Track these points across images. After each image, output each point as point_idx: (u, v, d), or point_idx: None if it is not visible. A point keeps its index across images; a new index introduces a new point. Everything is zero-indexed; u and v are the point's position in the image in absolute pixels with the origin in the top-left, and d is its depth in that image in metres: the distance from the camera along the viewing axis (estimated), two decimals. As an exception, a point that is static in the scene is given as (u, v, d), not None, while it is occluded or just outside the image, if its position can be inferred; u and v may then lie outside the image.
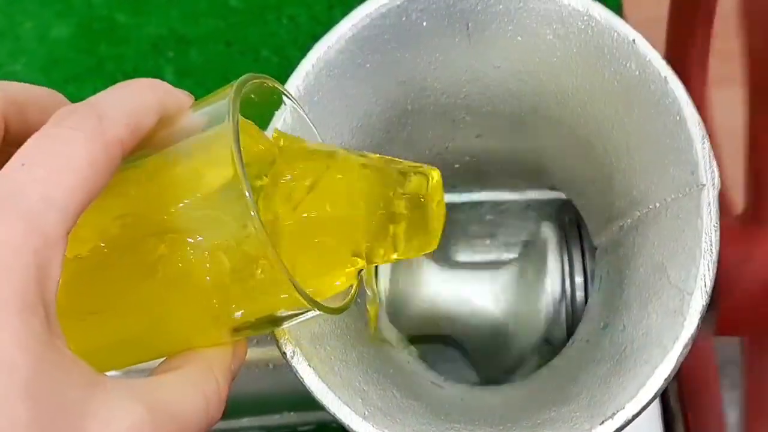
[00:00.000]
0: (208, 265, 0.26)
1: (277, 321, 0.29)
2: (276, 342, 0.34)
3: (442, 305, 0.45)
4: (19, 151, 0.24)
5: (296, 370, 0.33)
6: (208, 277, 0.26)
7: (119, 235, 0.27)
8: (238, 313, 0.28)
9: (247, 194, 0.25)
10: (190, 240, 0.26)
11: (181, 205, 0.26)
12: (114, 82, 0.27)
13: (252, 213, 0.25)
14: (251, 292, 0.27)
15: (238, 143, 0.25)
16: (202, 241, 0.26)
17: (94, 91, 0.27)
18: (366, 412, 0.33)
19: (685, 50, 0.53)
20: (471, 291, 0.46)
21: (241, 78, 0.28)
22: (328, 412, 0.33)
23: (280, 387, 0.44)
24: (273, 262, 0.25)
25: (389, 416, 0.34)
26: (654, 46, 0.49)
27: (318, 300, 0.27)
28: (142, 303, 0.27)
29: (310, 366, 0.33)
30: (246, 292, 0.27)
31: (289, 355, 0.33)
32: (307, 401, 0.33)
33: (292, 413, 0.48)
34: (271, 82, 0.30)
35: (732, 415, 0.63)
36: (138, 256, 0.27)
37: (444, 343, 0.47)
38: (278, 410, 0.47)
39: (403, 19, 0.37)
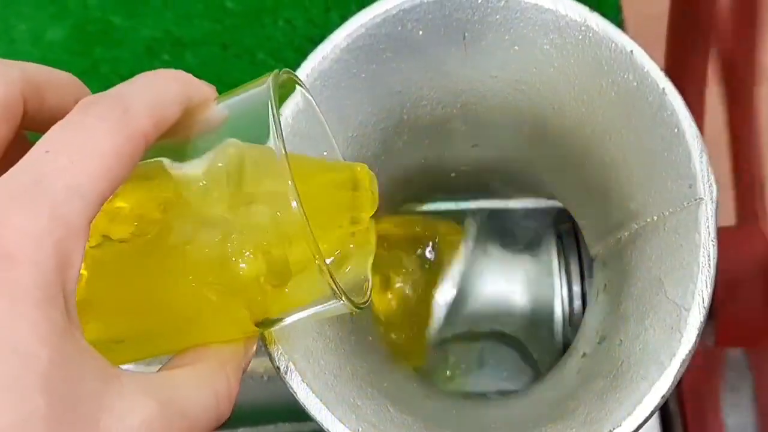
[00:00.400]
0: (247, 256, 0.26)
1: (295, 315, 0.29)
2: (269, 357, 0.33)
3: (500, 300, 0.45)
4: (42, 138, 0.24)
5: (290, 386, 0.33)
6: (245, 270, 0.26)
7: (155, 221, 0.27)
8: (271, 308, 0.28)
9: (290, 183, 0.25)
10: (231, 234, 0.26)
11: (226, 198, 0.26)
12: (109, 84, 0.27)
13: (294, 203, 0.25)
14: (289, 286, 0.27)
15: (283, 140, 0.26)
16: (243, 234, 0.26)
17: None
18: (360, 429, 0.33)
19: (685, 55, 0.53)
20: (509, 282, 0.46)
21: (273, 73, 0.28)
22: (322, 428, 0.33)
23: (274, 398, 0.44)
24: (318, 259, 0.25)
25: (383, 432, 0.33)
26: (653, 43, 0.49)
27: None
28: (174, 292, 0.27)
29: (303, 381, 0.33)
30: (282, 288, 0.27)
31: (282, 370, 0.33)
32: (301, 412, 0.33)
33: (286, 424, 0.47)
34: (297, 78, 0.30)
35: (731, 418, 0.63)
36: (174, 244, 0.26)
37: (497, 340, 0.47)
38: (272, 421, 0.47)
39: (399, 28, 0.37)
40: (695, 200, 0.34)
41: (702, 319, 0.32)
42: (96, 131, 0.24)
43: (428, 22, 0.37)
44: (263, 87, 0.27)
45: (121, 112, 0.24)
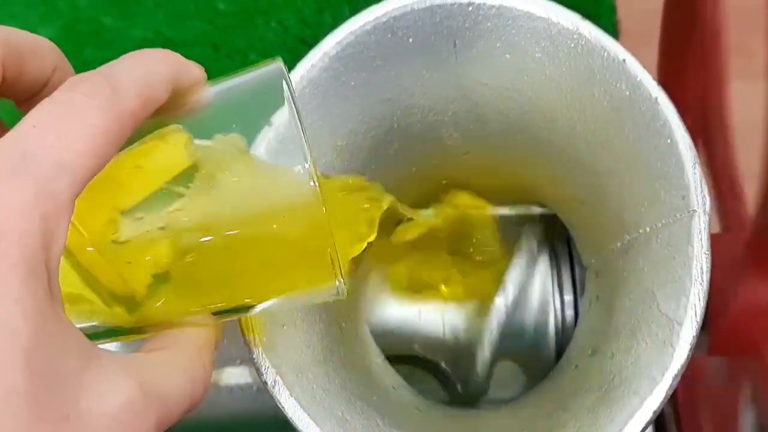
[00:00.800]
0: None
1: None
2: (257, 371, 0.33)
3: (408, 324, 0.45)
4: (29, 114, 0.24)
5: (278, 400, 0.33)
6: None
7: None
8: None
9: (307, 167, 0.26)
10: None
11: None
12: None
13: (312, 183, 0.26)
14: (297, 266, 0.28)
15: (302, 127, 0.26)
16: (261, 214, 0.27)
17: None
18: (348, 444, 0.32)
19: (679, 54, 0.53)
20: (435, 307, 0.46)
21: (278, 59, 0.28)
22: (310, 443, 0.32)
23: (263, 409, 0.43)
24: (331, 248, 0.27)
25: (372, 447, 0.33)
26: (647, 38, 0.48)
27: None
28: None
29: (291, 396, 0.33)
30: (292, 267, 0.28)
31: (270, 384, 0.33)
32: (291, 424, 0.33)
33: (276, 435, 0.47)
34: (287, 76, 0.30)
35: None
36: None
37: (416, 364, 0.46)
38: (262, 432, 0.47)
39: (389, 36, 0.37)
40: (688, 212, 0.33)
41: (695, 334, 0.32)
42: (84, 109, 0.24)
43: (418, 30, 0.37)
44: (270, 71, 0.28)
45: (109, 91, 0.24)
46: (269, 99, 0.27)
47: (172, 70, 0.27)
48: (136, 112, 0.25)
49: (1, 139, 0.23)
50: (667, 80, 0.49)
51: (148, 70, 0.26)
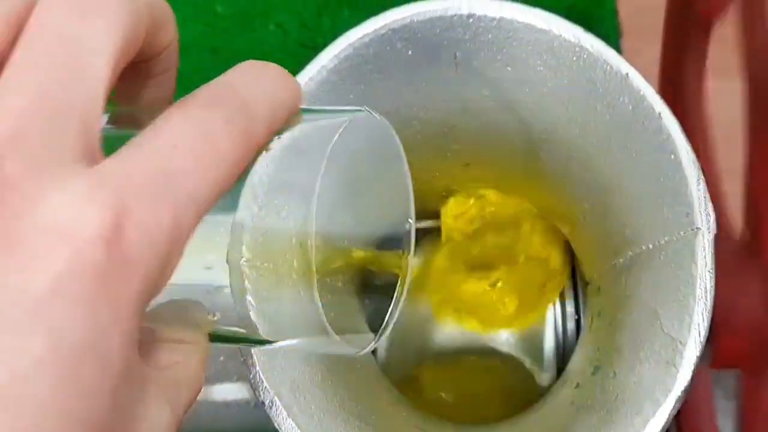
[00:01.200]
0: None
1: None
2: (255, 390, 0.32)
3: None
4: (165, 125, 0.22)
5: (275, 421, 0.32)
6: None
7: None
8: None
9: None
10: None
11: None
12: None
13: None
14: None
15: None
16: None
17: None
18: (346, 466, 0.32)
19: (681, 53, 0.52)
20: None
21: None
22: (308, 465, 0.32)
23: (261, 425, 0.43)
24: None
25: (371, 468, 0.33)
26: (648, 35, 0.48)
27: None
28: None
29: (289, 416, 0.32)
30: None
31: (268, 404, 0.32)
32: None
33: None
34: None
35: (726, 425, 0.62)
36: None
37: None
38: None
39: (388, 48, 0.36)
40: (692, 230, 0.33)
41: (698, 354, 0.31)
42: (222, 136, 0.22)
43: (418, 42, 0.36)
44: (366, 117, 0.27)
45: (247, 119, 0.22)
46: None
47: (292, 97, 0.25)
48: (263, 144, 0.23)
49: (138, 149, 0.21)
50: (669, 78, 0.49)
51: (277, 97, 0.24)
